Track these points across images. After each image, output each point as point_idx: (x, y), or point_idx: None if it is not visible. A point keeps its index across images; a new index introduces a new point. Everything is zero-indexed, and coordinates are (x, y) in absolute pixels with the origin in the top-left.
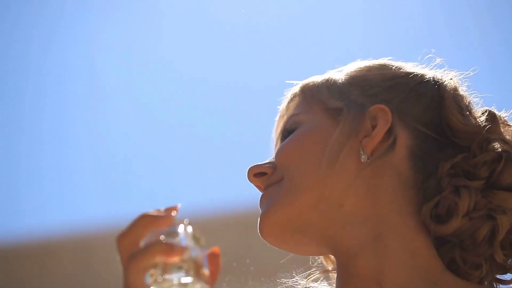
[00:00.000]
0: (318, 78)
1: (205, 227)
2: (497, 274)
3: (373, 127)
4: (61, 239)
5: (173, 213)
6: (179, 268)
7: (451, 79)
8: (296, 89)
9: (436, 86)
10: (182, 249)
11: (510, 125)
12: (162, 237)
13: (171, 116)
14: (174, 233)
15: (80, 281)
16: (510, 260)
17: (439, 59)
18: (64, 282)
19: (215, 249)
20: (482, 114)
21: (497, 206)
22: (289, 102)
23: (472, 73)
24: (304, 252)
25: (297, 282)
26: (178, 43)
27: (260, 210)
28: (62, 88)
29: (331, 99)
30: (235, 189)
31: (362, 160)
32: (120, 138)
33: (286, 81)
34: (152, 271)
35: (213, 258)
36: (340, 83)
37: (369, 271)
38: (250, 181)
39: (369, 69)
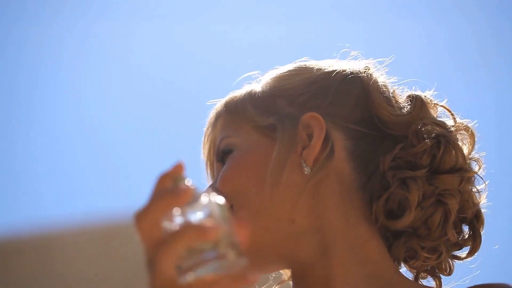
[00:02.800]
0: (239, 93)
1: None
2: (453, 251)
3: (309, 136)
4: (22, 238)
5: (192, 184)
6: (213, 247)
7: (369, 68)
8: (219, 108)
9: (358, 81)
10: (215, 228)
11: (438, 104)
12: (188, 214)
13: (130, 123)
14: (198, 206)
15: (42, 281)
16: (462, 236)
17: (355, 52)
18: (25, 282)
19: (243, 214)
20: (408, 100)
21: (444, 190)
22: (215, 122)
23: (389, 59)
24: (264, 272)
25: None
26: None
27: None
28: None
29: (260, 116)
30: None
31: (305, 173)
32: (81, 135)
33: (207, 103)
34: (185, 254)
35: (242, 225)
36: (263, 97)
37: (321, 282)
38: None
39: (289, 76)
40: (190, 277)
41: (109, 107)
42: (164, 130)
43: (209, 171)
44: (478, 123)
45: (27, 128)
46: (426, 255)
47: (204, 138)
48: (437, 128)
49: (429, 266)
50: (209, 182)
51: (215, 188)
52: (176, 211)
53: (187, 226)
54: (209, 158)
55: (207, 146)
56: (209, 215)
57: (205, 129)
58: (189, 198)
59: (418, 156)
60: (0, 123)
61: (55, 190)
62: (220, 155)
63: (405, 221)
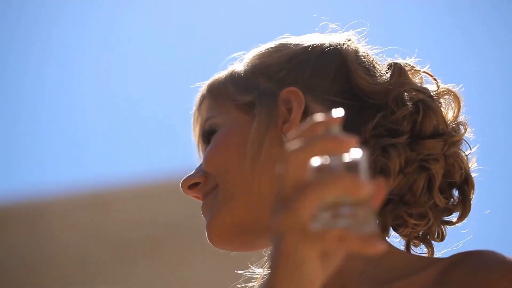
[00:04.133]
0: (222, 74)
1: (149, 194)
2: (443, 217)
3: (289, 110)
4: (9, 206)
5: (354, 138)
6: (351, 204)
7: (349, 40)
8: (203, 90)
9: (337, 53)
10: (367, 186)
11: (419, 70)
12: (337, 164)
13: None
14: (349, 159)
15: (29, 249)
16: (451, 201)
17: (333, 24)
18: (12, 249)
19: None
20: (388, 68)
21: (427, 155)
22: (199, 105)
23: (367, 28)
24: (256, 248)
25: (254, 271)
26: None
27: (205, 220)
28: None
29: (240, 95)
30: (177, 155)
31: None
32: (67, 103)
33: (191, 86)
34: (324, 203)
35: (379, 188)
36: (244, 76)
37: None
38: (186, 193)
39: (269, 53)
40: (321, 227)
41: (108, 79)
42: (158, 100)
43: (200, 153)
44: (465, 88)
45: (13, 94)
46: (414, 222)
47: (193, 121)
48: (418, 94)
49: (420, 233)
50: (200, 161)
51: (201, 168)
52: (326, 158)
53: (344, 176)
54: (199, 140)
55: (197, 129)
56: (358, 171)
57: (192, 112)
58: (348, 148)
59: (399, 122)
60: None
61: (43, 157)
62: (206, 136)
63: (387, 188)
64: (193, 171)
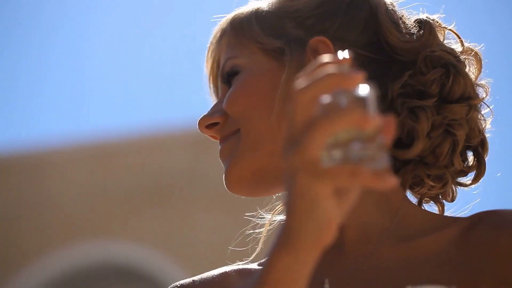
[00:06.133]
0: (246, 10)
1: (152, 145)
2: (458, 178)
3: None
4: (8, 157)
5: (362, 74)
6: (361, 138)
7: None
8: (224, 25)
9: (367, 5)
10: (375, 119)
11: (445, 27)
12: (345, 99)
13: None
14: (358, 94)
15: (32, 197)
16: (467, 163)
17: None
18: (15, 198)
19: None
20: (416, 24)
21: (452, 120)
22: (219, 40)
23: None
24: (272, 193)
25: (263, 216)
26: None
27: (223, 165)
28: None
29: (267, 38)
30: (185, 106)
31: None
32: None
33: (212, 19)
34: (333, 140)
35: (389, 124)
36: (271, 17)
37: None
38: (203, 133)
39: None
40: (332, 162)
41: (112, 26)
42: (163, 48)
43: (211, 85)
44: (485, 47)
45: (12, 44)
46: (431, 183)
47: (208, 53)
48: (447, 56)
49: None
50: (211, 96)
51: (220, 108)
52: (334, 94)
53: (351, 110)
54: (211, 73)
55: (210, 61)
56: (366, 107)
57: (209, 44)
58: (355, 84)
59: (428, 85)
60: None
61: (43, 107)
62: (226, 77)
63: (414, 152)
64: (209, 110)
